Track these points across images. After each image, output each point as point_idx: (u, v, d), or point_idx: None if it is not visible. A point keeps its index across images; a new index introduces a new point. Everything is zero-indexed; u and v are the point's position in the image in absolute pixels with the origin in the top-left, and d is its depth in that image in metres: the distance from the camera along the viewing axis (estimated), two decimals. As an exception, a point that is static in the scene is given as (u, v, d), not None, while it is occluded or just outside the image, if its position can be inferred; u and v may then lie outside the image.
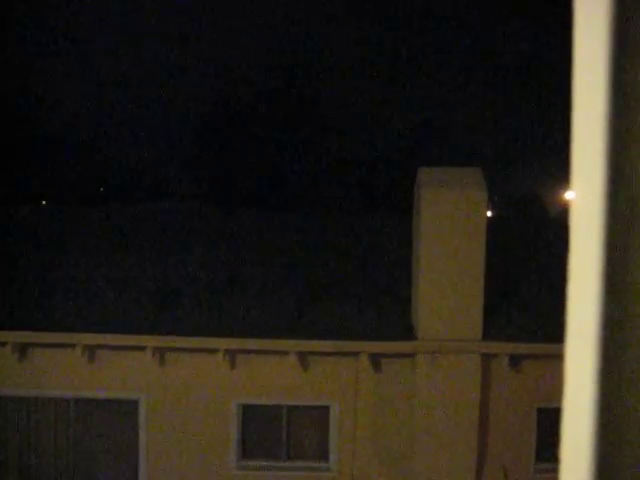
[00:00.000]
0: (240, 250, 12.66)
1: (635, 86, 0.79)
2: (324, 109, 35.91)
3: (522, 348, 10.90)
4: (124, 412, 11.41)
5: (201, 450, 11.34)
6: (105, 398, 11.36)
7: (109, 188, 34.47)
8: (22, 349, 11.14)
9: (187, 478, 11.37)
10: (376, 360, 11.15)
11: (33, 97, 33.76)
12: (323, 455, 11.50)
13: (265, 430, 11.51)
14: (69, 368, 11.20)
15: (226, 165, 34.41)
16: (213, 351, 11.08)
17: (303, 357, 11.14)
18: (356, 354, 11.08)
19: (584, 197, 0.83)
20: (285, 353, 11.05)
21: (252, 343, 10.95)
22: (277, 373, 11.24)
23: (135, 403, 11.37)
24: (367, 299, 11.62)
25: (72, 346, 11.00)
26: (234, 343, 10.98)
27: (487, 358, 10.99)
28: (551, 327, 10.86)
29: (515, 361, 11.08)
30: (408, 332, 11.04)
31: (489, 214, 15.58)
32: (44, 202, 32.74)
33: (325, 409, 11.45)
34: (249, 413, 11.48)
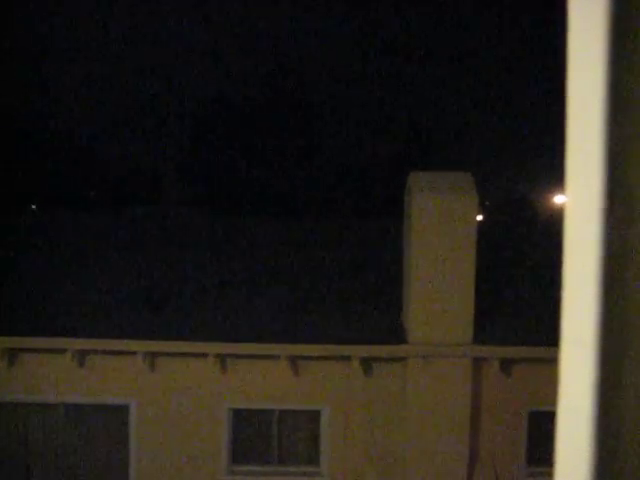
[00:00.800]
0: (230, 255, 12.65)
1: (632, 86, 0.78)
2: (314, 114, 35.93)
3: (513, 352, 10.93)
4: (114, 417, 11.37)
5: (192, 455, 11.31)
6: (95, 403, 11.31)
7: (99, 192, 34.37)
8: (12, 355, 11.09)
9: (178, 483, 11.33)
10: (367, 364, 11.16)
11: (20, 100, 33.63)
12: (314, 459, 11.49)
13: (256, 435, 11.49)
14: (59, 373, 11.15)
15: (216, 170, 34.39)
16: (204, 356, 11.06)
17: (294, 361, 11.13)
18: (347, 358, 11.07)
19: (579, 201, 0.82)
20: (276, 357, 11.04)
21: (243, 348, 10.94)
22: (268, 378, 11.23)
23: (126, 408, 11.33)
24: (358, 303, 11.63)
25: (62, 351, 10.96)
26: (225, 348, 10.96)
27: (478, 362, 11.01)
28: (542, 331, 10.89)
29: (506, 365, 11.10)
30: (399, 336, 11.04)
31: (479, 218, 15.62)
32: (33, 206, 32.61)
33: (316, 413, 11.44)
34: (240, 418, 11.45)
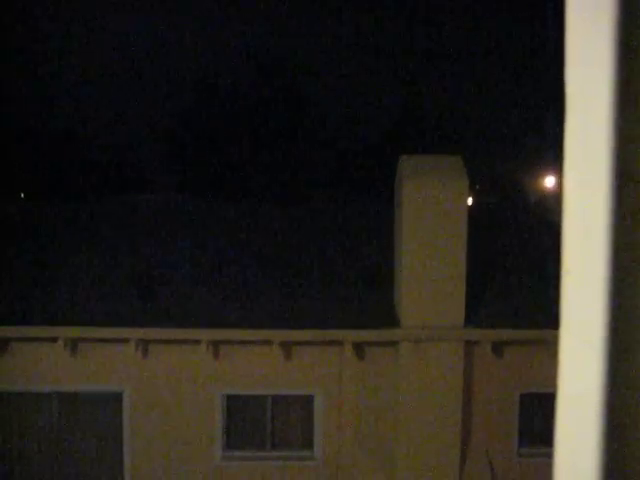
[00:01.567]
0: (222, 241, 12.64)
1: (634, 80, 0.75)
2: (304, 98, 35.82)
3: (505, 334, 10.97)
4: (108, 405, 11.38)
5: (186, 441, 11.34)
6: (89, 391, 11.32)
7: (90, 181, 34.22)
8: (4, 344, 11.06)
9: (172, 469, 11.37)
10: (360, 349, 11.19)
11: (4, 89, 33.41)
12: (308, 444, 11.53)
13: (249, 420, 11.52)
14: (52, 362, 11.14)
15: (207, 156, 34.28)
16: (196, 342, 11.07)
17: (287, 347, 11.15)
18: (340, 343, 11.10)
19: (580, 191, 0.78)
20: (269, 343, 11.06)
21: (235, 334, 10.95)
22: (261, 363, 11.25)
23: (119, 395, 11.34)
24: (350, 288, 11.64)
25: (54, 339, 10.95)
26: (217, 334, 10.97)
27: (470, 345, 11.06)
28: (533, 313, 10.94)
29: (498, 347, 11.15)
30: (391, 320, 11.07)
31: (470, 201, 15.63)
32: (22, 195, 32.45)
33: (309, 398, 11.48)
34: (233, 403, 11.48)
